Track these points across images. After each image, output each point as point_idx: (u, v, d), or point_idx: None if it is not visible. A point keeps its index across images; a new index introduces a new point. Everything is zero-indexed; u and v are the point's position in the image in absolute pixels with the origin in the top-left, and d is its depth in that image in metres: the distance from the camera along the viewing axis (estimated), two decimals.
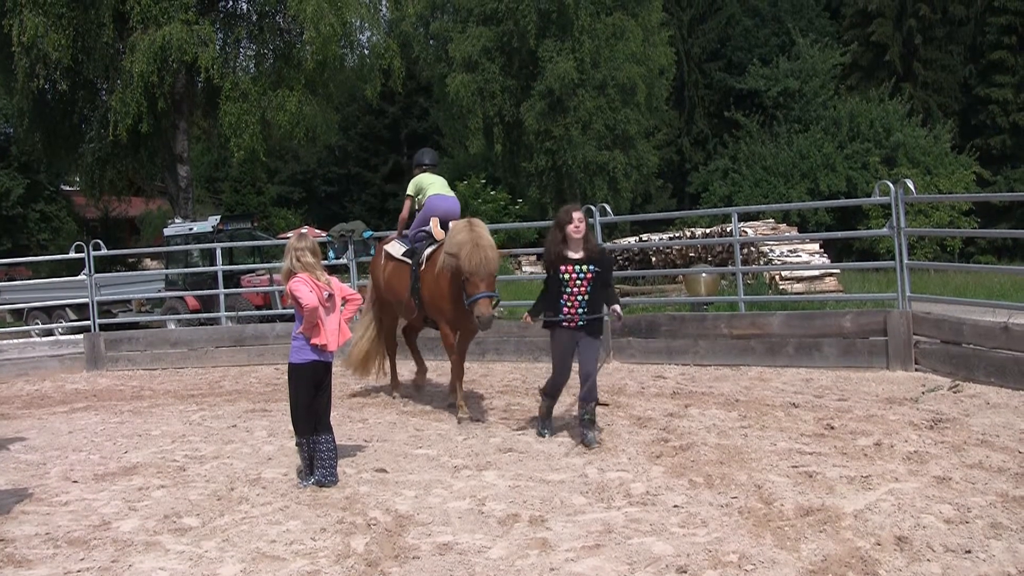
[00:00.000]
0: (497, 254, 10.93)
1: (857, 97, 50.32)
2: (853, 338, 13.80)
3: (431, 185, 12.80)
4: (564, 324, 9.87)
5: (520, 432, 10.65)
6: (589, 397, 9.91)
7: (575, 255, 9.78)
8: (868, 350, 13.59)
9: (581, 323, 9.82)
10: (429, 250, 12.05)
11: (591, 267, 9.70)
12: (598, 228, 16.79)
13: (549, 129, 44.94)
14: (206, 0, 33.29)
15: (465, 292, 10.88)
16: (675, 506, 7.58)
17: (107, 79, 33.10)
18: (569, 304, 9.76)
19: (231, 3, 35.55)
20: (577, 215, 9.73)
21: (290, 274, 8.77)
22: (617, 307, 9.90)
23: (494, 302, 10.91)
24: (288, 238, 9.71)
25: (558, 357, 10.10)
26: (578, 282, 9.67)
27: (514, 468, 9.07)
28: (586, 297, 9.72)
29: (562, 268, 9.79)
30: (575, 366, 10.15)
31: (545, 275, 10.15)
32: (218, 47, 32.15)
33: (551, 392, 10.45)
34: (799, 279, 21.67)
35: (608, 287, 9.94)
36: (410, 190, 12.99)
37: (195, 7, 31.26)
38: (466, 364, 12.68)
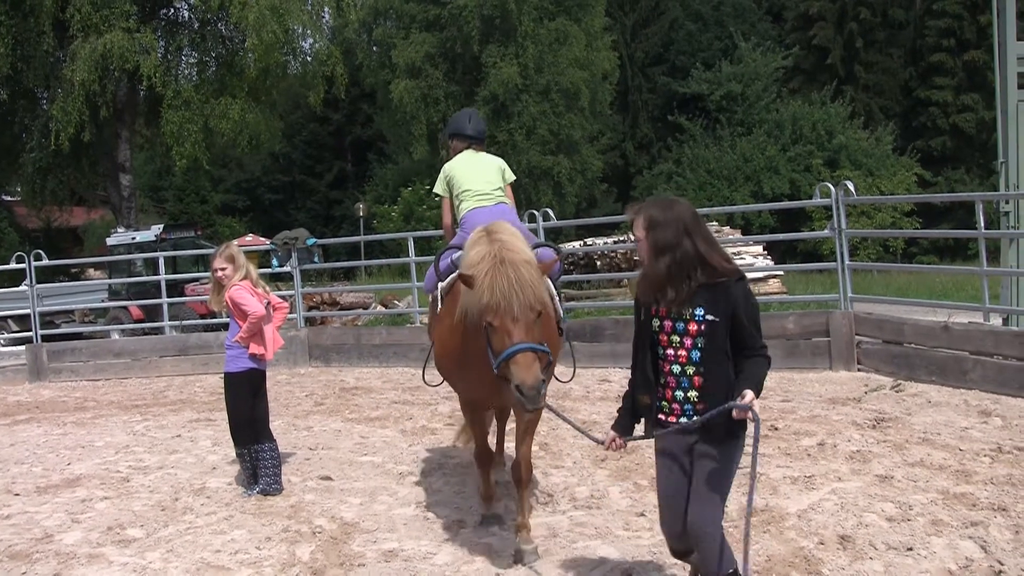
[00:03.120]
0: (538, 275, 6.03)
1: (799, 100, 50.76)
2: (796, 339, 13.89)
3: (466, 179, 8.19)
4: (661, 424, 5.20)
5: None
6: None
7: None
8: (811, 351, 13.69)
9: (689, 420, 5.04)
10: (449, 279, 7.21)
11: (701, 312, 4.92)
12: (541, 233, 16.81)
13: (493, 135, 44.93)
14: (147, 8, 33.09)
15: (490, 346, 5.97)
16: (620, 510, 7.60)
17: (48, 88, 32.85)
18: (664, 382, 5.12)
19: (172, 11, 35.39)
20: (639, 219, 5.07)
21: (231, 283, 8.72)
22: (750, 393, 4.77)
23: (543, 362, 5.89)
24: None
25: (661, 492, 5.45)
26: (676, 339, 5.00)
27: (459, 474, 9.06)
28: (694, 368, 4.99)
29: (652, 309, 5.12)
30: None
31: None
32: (160, 55, 32.00)
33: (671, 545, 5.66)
34: None
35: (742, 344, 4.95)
36: (439, 187, 8.44)
37: (136, 15, 31.08)
38: (411, 370, 12.36)
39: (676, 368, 4.99)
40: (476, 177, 8.19)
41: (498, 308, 5.72)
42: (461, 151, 8.50)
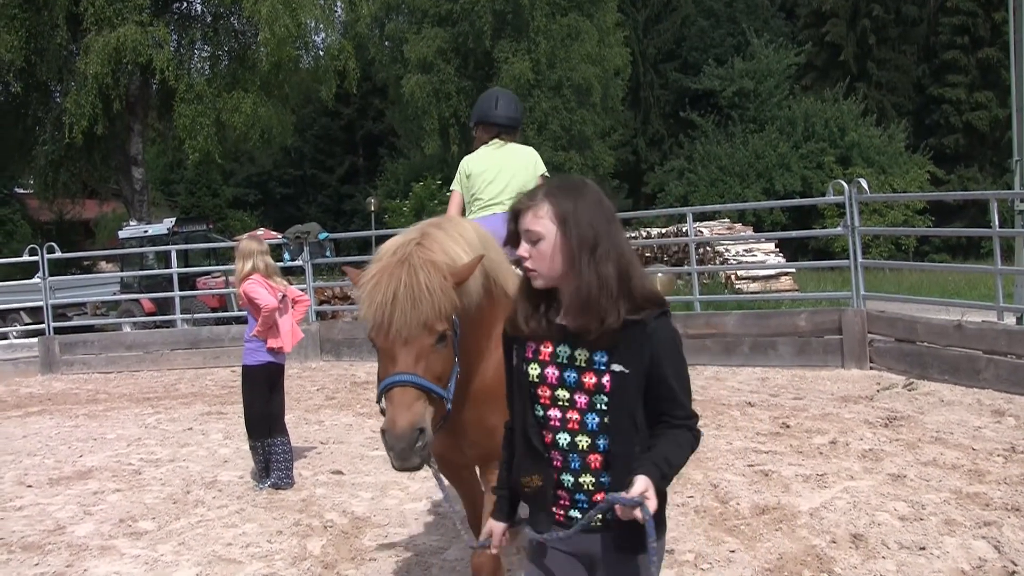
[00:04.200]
0: (447, 284, 4.11)
1: (812, 97, 50.51)
2: (808, 337, 13.87)
3: (481, 183, 6.90)
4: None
5: None
6: None
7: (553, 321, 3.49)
8: (823, 349, 13.67)
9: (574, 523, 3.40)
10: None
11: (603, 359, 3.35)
12: None
13: None
14: (160, 2, 33.10)
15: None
16: None
17: (61, 81, 32.88)
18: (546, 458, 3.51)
19: (185, 4, 35.39)
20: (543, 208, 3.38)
21: (245, 277, 8.73)
22: (641, 482, 3.09)
23: (423, 401, 4.00)
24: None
25: None
26: (564, 396, 3.42)
27: None
28: (589, 440, 3.41)
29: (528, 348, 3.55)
30: None
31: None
32: (173, 49, 32.02)
33: None
34: (755, 279, 21.79)
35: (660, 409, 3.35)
36: (455, 182, 7.15)
37: (149, 9, 31.08)
38: None
39: (563, 439, 3.35)
40: (496, 181, 6.71)
41: (379, 323, 3.95)
42: (486, 142, 6.95)
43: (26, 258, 20.09)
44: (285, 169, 62.89)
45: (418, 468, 3.91)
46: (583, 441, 3.34)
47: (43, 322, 19.66)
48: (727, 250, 23.25)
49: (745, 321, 14.68)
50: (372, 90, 55.75)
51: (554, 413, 3.39)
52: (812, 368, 13.45)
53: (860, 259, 13.91)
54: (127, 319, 24.32)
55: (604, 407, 3.30)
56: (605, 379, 3.28)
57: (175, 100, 31.71)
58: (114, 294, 26.97)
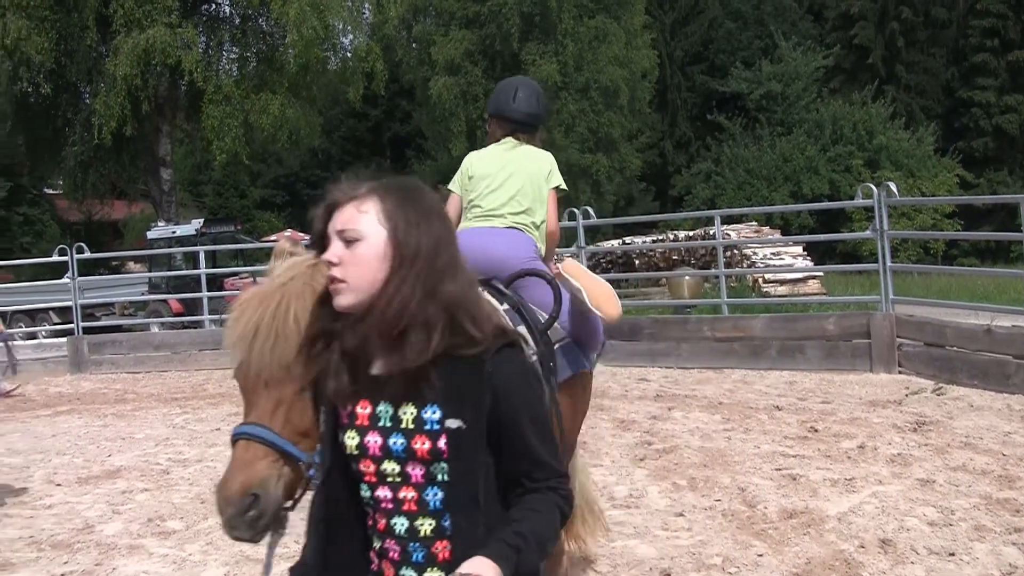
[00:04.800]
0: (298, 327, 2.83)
1: (840, 100, 50.36)
2: (836, 341, 13.82)
3: (481, 188, 5.61)
4: None
5: None
6: None
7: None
8: (851, 353, 13.61)
9: None
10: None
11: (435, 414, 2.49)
12: (581, 231, 16.80)
13: None
14: (189, 3, 33.24)
15: None
16: (658, 509, 7.57)
17: (90, 82, 33.06)
18: (380, 550, 2.62)
19: (214, 6, 35.53)
20: (368, 203, 2.56)
21: None
22: (477, 565, 2.29)
23: (269, 461, 2.91)
24: (274, 241, 9.58)
25: None
26: (391, 470, 2.53)
27: None
28: (433, 523, 2.53)
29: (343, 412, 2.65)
30: None
31: None
32: (201, 50, 32.14)
33: None
34: (782, 282, 21.69)
35: (518, 470, 2.56)
36: (454, 182, 5.87)
37: (178, 10, 31.19)
38: None
39: (400, 524, 2.52)
40: (502, 189, 5.50)
41: (241, 359, 3.01)
42: (498, 140, 5.77)
43: (56, 258, 20.21)
44: (312, 170, 63.01)
45: (252, 541, 3.07)
46: (426, 525, 2.50)
47: (72, 322, 19.78)
48: (754, 253, 23.17)
49: (773, 324, 14.64)
50: (399, 92, 55.82)
51: (384, 493, 2.53)
52: (840, 372, 13.40)
53: (889, 263, 13.87)
54: (155, 319, 24.42)
55: (447, 477, 2.49)
56: (441, 441, 2.46)
57: (203, 101, 31.83)
58: (142, 294, 27.13)
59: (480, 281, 4.14)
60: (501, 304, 4.47)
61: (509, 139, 5.73)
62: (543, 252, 5.53)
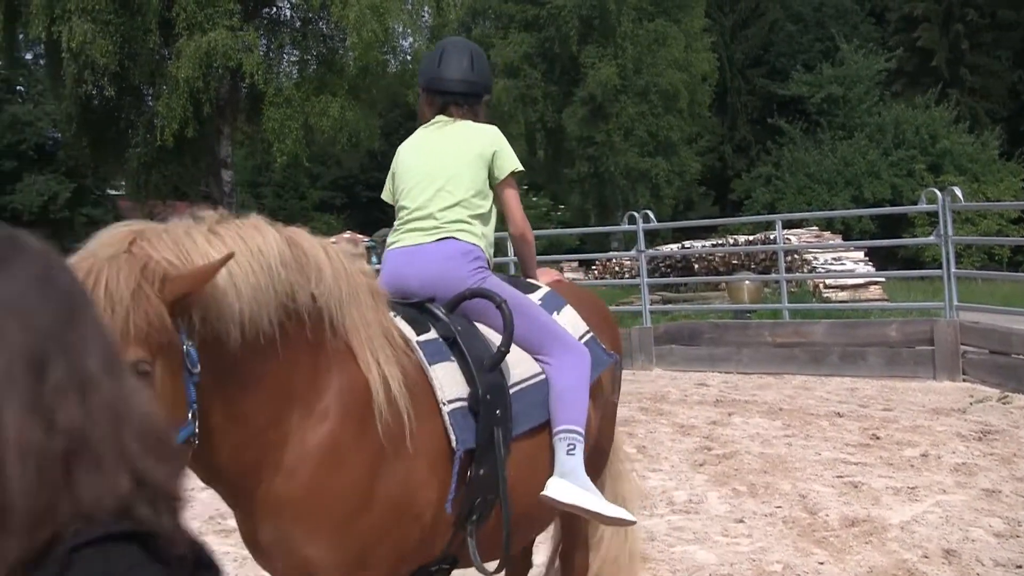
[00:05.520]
0: (132, 298, 2.70)
1: (902, 103, 49.85)
2: (899, 347, 13.68)
3: (408, 182, 4.50)
4: None
5: None
6: None
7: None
8: (914, 360, 13.47)
9: None
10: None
11: None
12: (641, 235, 16.76)
13: (591, 135, 44.86)
14: (250, 6, 33.44)
15: None
16: (718, 515, 7.51)
17: (153, 84, 33.36)
18: None
19: (275, 10, 35.72)
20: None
21: None
22: None
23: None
24: (332, 243, 9.58)
25: None
26: None
27: None
28: None
29: None
30: None
31: None
32: (262, 53, 32.31)
33: None
34: (843, 287, 21.51)
35: None
36: (385, 190, 4.83)
37: (239, 14, 31.39)
38: None
39: None
40: (426, 182, 4.40)
41: None
42: (429, 119, 4.68)
43: None
44: (371, 173, 63.24)
45: None
46: None
47: None
48: (815, 258, 22.99)
49: (834, 330, 14.53)
50: None
51: None
52: (902, 379, 13.26)
53: (953, 268, 13.71)
54: None
55: None
56: None
57: (264, 104, 32.02)
58: None
59: (410, 304, 4.00)
60: (424, 333, 3.75)
61: (441, 117, 4.60)
62: (492, 256, 4.46)
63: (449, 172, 4.36)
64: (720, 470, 8.85)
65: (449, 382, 3.62)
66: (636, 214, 16.83)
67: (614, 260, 27.60)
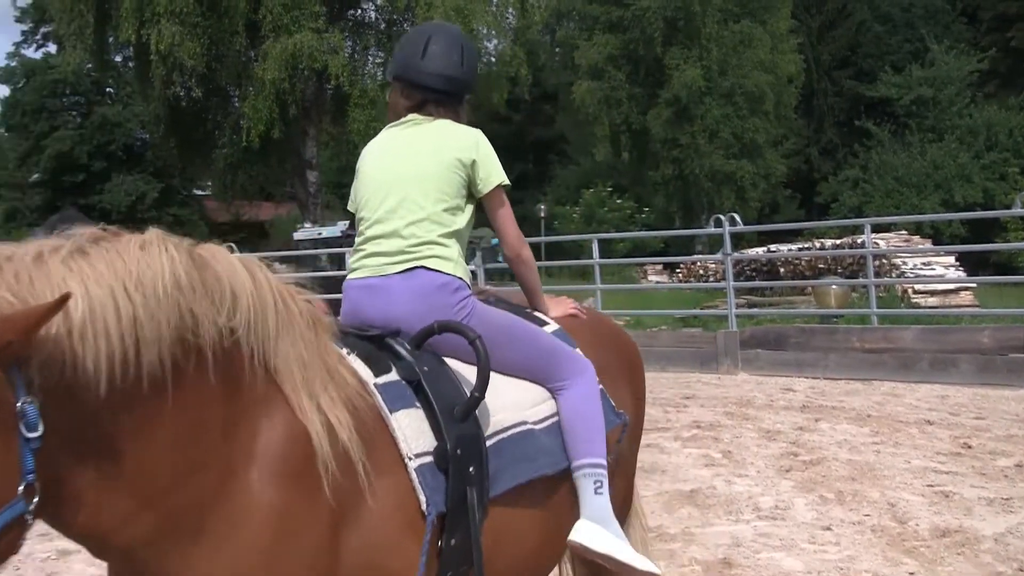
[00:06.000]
0: None
1: (995, 105, 49.07)
2: (992, 354, 13.44)
3: (369, 189, 3.79)
4: None
5: (646, 444, 10.45)
6: None
7: None
8: (1007, 367, 13.22)
9: None
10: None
11: None
12: (727, 238, 16.66)
13: (676, 137, 44.76)
14: (335, 8, 33.73)
15: None
16: (805, 522, 7.39)
17: (239, 86, 33.79)
18: None
19: (360, 11, 36.02)
20: None
21: None
22: None
23: None
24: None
25: None
26: None
27: (640, 479, 8.90)
28: None
29: None
30: None
31: None
32: (347, 54, 32.61)
33: None
34: (932, 292, 21.19)
35: None
36: (351, 198, 4.00)
37: (325, 16, 31.70)
38: None
39: None
40: (389, 187, 3.71)
41: None
42: (402, 115, 3.89)
43: None
44: None
45: None
46: None
47: None
48: (904, 263, 22.69)
49: (924, 336, 14.31)
50: (542, 96, 56.10)
51: None
52: (995, 387, 13.01)
53: None
54: None
55: None
56: None
57: (349, 105, 32.29)
58: None
59: (367, 337, 3.34)
60: (384, 374, 3.16)
61: (415, 116, 3.83)
62: (469, 279, 3.71)
63: (419, 178, 3.65)
64: (807, 476, 8.72)
65: (414, 433, 3.03)
66: (722, 217, 16.73)
67: (699, 263, 27.45)
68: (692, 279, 27.15)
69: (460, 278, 3.56)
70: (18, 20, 57.01)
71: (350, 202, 3.90)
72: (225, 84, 34.02)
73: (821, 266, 24.18)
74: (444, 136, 3.73)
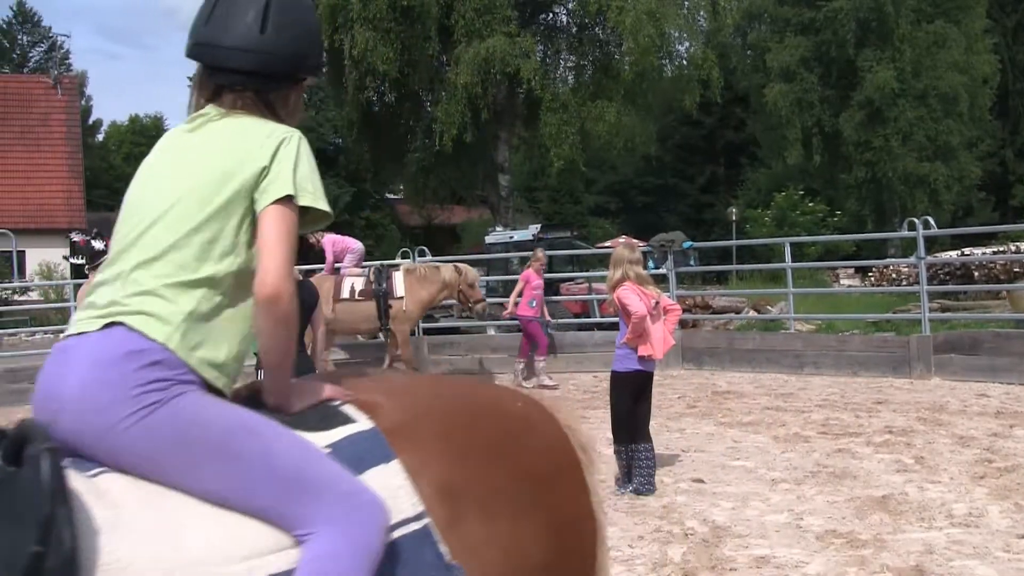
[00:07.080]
0: None
1: None
2: None
3: (131, 198, 2.78)
4: None
5: (838, 449, 10.50)
6: None
7: None
8: None
9: None
10: None
11: None
12: (921, 242, 16.51)
13: (868, 140, 44.12)
14: (527, 13, 34.06)
15: None
16: (999, 530, 7.39)
17: (432, 90, 34.33)
18: None
19: (552, 16, 36.27)
20: None
21: (617, 283, 9.01)
22: None
23: None
24: (608, 247, 9.88)
25: None
26: None
27: (832, 484, 8.99)
28: None
29: None
30: None
31: None
32: (539, 59, 32.85)
33: None
34: None
35: None
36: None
37: (517, 20, 31.99)
38: (783, 376, 12.35)
39: None
40: (139, 214, 2.71)
41: None
42: (200, 107, 2.89)
43: (398, 260, 21.11)
44: (646, 177, 63.54)
45: None
46: None
47: None
48: None
49: None
50: (734, 99, 55.72)
51: None
52: None
53: None
54: (492, 322, 25.14)
55: None
56: None
57: (541, 109, 32.53)
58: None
59: None
60: None
61: (211, 109, 2.84)
62: (233, 362, 2.66)
63: (175, 202, 2.66)
64: (1002, 483, 8.67)
65: None
66: (916, 220, 16.57)
67: (892, 267, 27.05)
68: (884, 283, 26.76)
69: (170, 350, 2.48)
70: None
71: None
72: (417, 89, 34.54)
73: (1017, 270, 23.63)
74: (221, 141, 2.73)
